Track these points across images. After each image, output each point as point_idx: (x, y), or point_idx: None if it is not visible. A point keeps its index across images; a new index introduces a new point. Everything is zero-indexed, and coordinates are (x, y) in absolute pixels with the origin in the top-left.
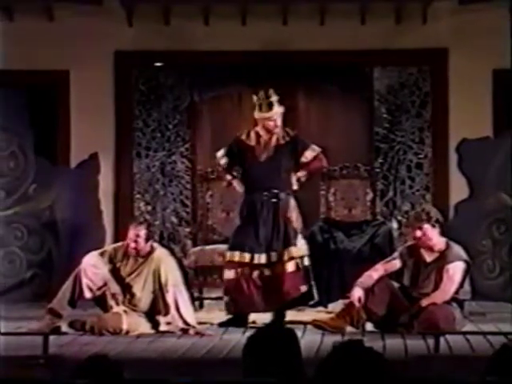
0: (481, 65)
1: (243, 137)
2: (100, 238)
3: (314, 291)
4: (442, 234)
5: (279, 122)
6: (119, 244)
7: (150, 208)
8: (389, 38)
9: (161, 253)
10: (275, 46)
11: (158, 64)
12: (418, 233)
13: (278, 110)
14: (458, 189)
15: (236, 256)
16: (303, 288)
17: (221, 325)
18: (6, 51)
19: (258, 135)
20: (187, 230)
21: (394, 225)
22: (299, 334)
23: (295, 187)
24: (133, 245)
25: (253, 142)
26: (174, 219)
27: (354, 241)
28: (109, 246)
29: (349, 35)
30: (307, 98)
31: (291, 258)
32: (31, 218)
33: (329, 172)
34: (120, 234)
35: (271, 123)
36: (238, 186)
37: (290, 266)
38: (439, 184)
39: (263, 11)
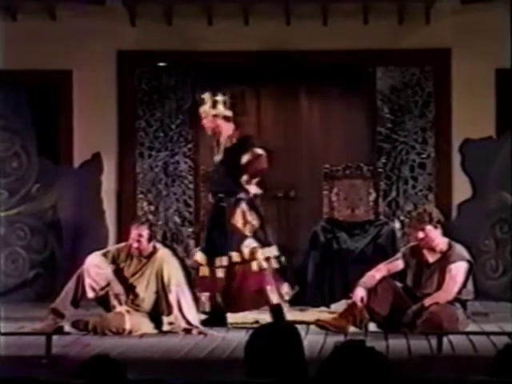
0: (484, 65)
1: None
2: (103, 238)
3: (271, 295)
4: (444, 234)
5: (220, 123)
6: (122, 244)
7: (152, 208)
8: (391, 38)
9: (163, 253)
10: (278, 46)
11: (161, 64)
12: (421, 234)
13: (218, 111)
14: (461, 189)
15: (198, 256)
16: (252, 291)
17: (204, 323)
18: (9, 51)
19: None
20: (190, 229)
21: (397, 225)
22: (302, 334)
23: (254, 191)
24: (135, 245)
25: (214, 144)
26: (177, 219)
27: (356, 241)
28: (112, 247)
29: (351, 35)
30: (310, 98)
31: (235, 264)
32: (34, 217)
33: (331, 172)
34: (123, 234)
35: (208, 123)
36: None
37: (239, 271)
38: (442, 184)
39: (266, 11)
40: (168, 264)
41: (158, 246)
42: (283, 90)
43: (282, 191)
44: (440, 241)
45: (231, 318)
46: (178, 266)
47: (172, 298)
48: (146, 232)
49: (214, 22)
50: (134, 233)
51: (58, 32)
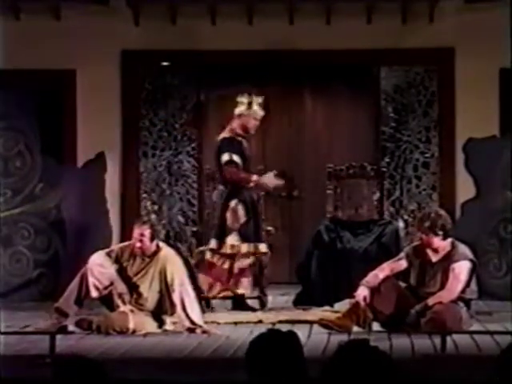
0: (487, 64)
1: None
2: (106, 237)
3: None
4: (448, 237)
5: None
6: (126, 244)
7: (156, 207)
8: (395, 38)
9: (167, 252)
10: (281, 46)
11: (165, 63)
12: (419, 234)
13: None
14: (465, 188)
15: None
16: None
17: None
18: (13, 50)
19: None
20: (194, 229)
21: (401, 224)
22: (306, 333)
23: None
24: (138, 244)
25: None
26: (181, 218)
27: (360, 240)
28: (116, 246)
29: (355, 35)
30: (314, 98)
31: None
32: (38, 217)
33: (335, 171)
34: (126, 233)
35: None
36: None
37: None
38: (446, 183)
39: (269, 11)
40: (171, 263)
41: (162, 245)
42: (287, 90)
43: (285, 190)
44: (440, 244)
45: (234, 317)
46: (182, 266)
47: (175, 298)
48: (148, 231)
49: (218, 21)
50: (136, 232)
51: (61, 32)
